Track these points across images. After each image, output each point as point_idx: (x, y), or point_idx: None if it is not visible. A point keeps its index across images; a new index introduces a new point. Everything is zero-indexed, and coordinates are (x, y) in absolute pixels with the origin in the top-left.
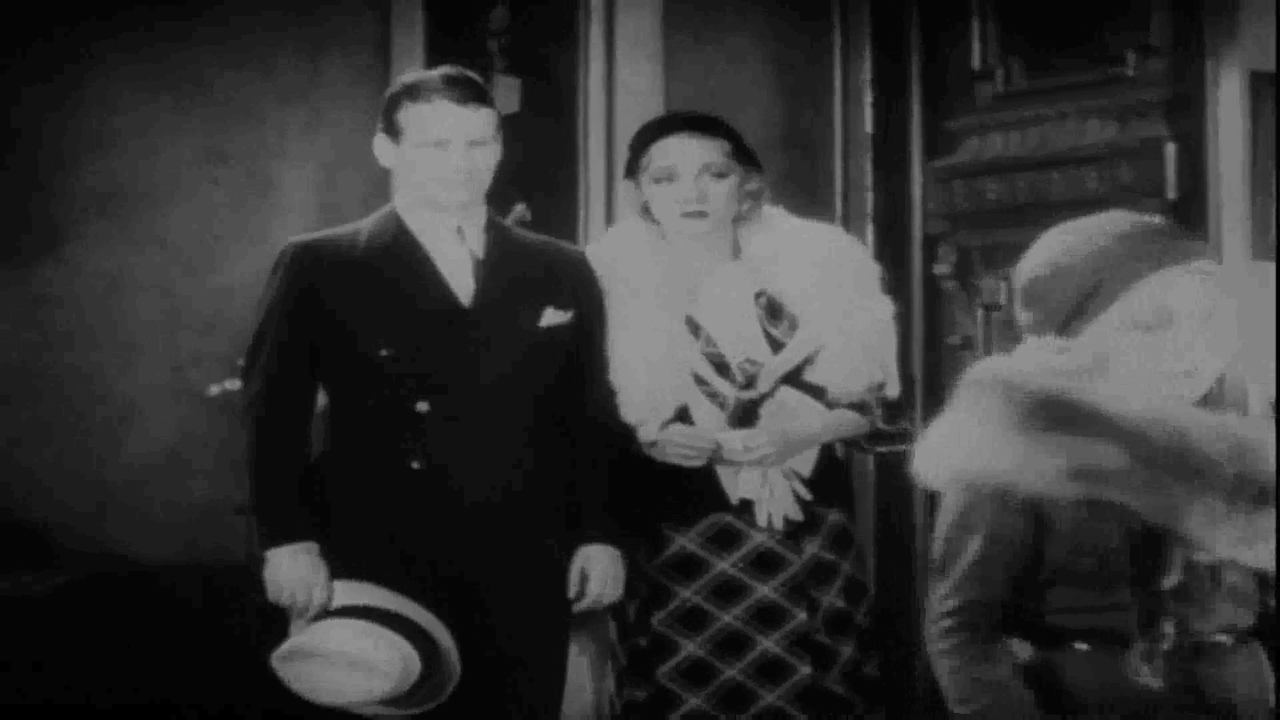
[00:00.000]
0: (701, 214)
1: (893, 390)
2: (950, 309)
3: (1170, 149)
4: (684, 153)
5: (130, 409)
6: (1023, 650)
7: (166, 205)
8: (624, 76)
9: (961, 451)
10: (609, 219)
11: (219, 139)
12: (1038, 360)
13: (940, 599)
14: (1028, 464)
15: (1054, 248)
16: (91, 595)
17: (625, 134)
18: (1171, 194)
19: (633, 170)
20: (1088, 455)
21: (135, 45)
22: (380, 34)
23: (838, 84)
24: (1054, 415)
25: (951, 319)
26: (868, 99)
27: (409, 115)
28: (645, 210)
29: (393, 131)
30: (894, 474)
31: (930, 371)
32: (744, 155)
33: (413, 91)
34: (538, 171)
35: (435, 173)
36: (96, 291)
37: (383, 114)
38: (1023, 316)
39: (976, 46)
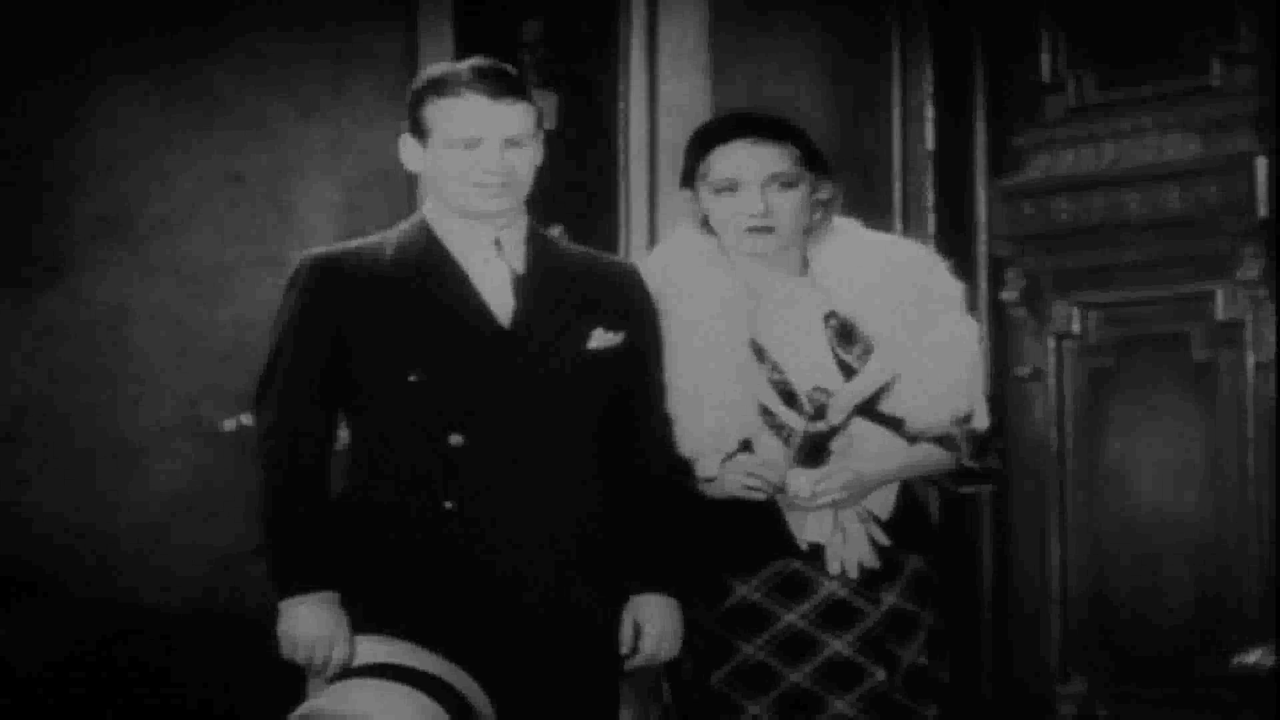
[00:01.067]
0: (768, 229)
1: (980, 422)
2: (1019, 338)
3: (1260, 164)
4: (748, 161)
5: (140, 448)
6: None
7: (179, 230)
8: (667, 90)
9: None
10: (651, 242)
11: (236, 159)
12: None
13: None
14: None
15: None
16: (100, 648)
17: (669, 151)
18: (1262, 212)
19: (690, 178)
20: None
21: (146, 59)
22: (408, 48)
23: (896, 97)
24: None
25: (1020, 349)
26: (929, 113)
27: (436, 112)
28: (704, 222)
29: (419, 131)
30: (959, 514)
31: (996, 406)
32: (814, 160)
33: (440, 85)
34: (575, 192)
35: (468, 176)
36: (104, 323)
37: (408, 112)
38: None
39: (1045, 57)
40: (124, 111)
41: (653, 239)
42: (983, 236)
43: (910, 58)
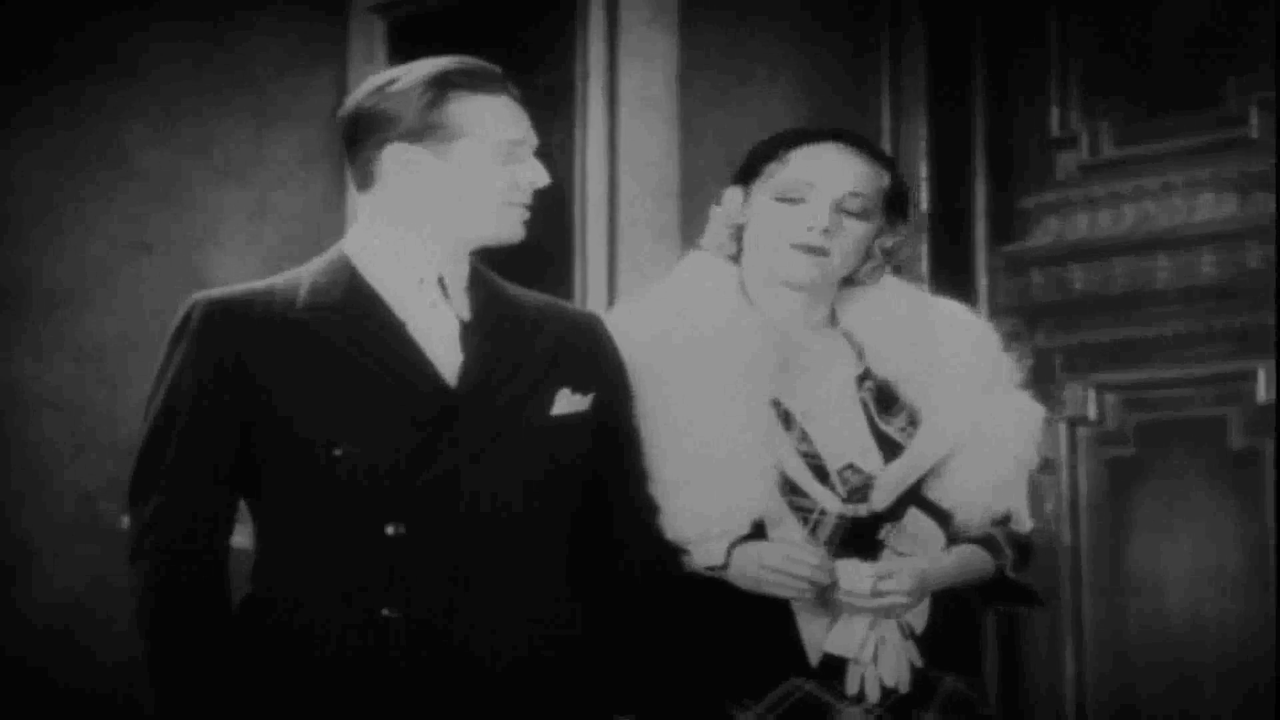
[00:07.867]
0: (823, 252)
1: (1021, 525)
2: None
3: None
4: (835, 168)
5: (32, 550)
6: None
7: (79, 304)
8: (630, 144)
9: None
10: (611, 304)
11: (145, 225)
12: None
13: None
14: None
15: None
16: None
17: (631, 211)
18: None
19: (749, 176)
20: None
21: (45, 113)
22: (336, 106)
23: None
24: None
25: None
26: (923, 171)
27: (472, 109)
28: (732, 237)
29: (442, 134)
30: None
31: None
32: (895, 201)
33: (474, 78)
34: (525, 256)
35: (509, 192)
36: None
37: (420, 112)
38: None
39: (1055, 108)
40: (19, 170)
41: (612, 301)
42: (985, 309)
43: (902, 108)
